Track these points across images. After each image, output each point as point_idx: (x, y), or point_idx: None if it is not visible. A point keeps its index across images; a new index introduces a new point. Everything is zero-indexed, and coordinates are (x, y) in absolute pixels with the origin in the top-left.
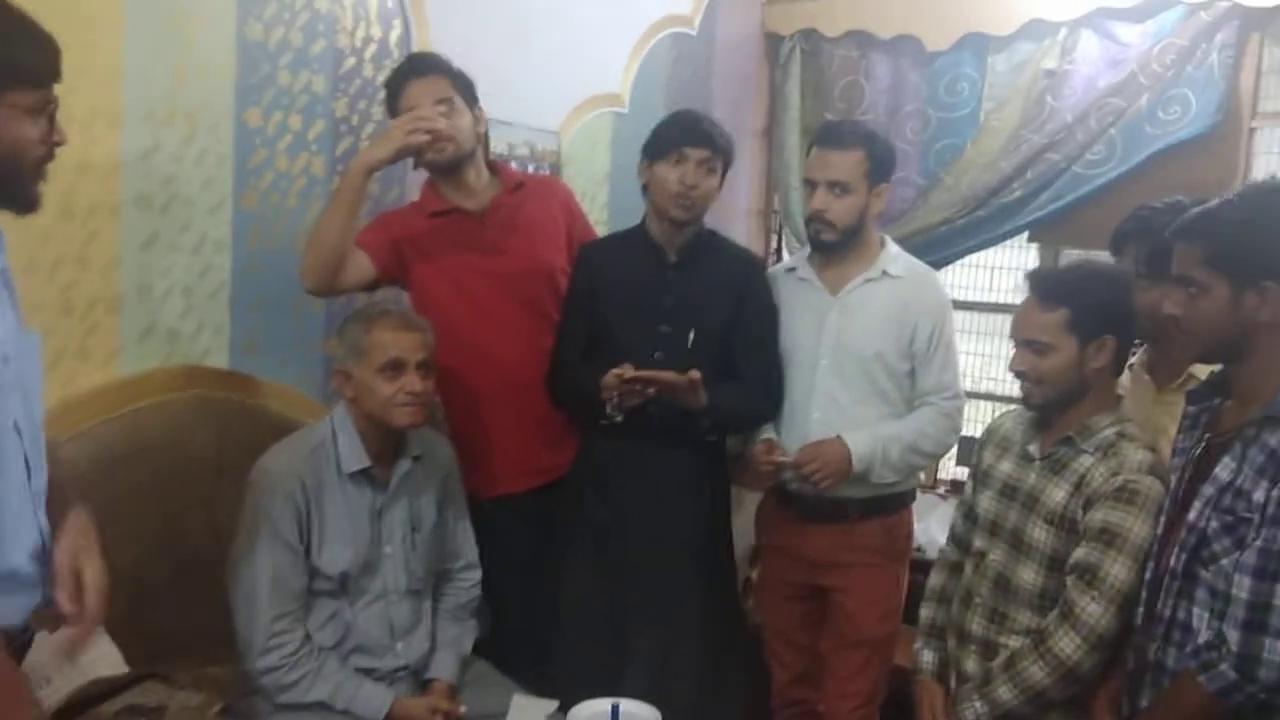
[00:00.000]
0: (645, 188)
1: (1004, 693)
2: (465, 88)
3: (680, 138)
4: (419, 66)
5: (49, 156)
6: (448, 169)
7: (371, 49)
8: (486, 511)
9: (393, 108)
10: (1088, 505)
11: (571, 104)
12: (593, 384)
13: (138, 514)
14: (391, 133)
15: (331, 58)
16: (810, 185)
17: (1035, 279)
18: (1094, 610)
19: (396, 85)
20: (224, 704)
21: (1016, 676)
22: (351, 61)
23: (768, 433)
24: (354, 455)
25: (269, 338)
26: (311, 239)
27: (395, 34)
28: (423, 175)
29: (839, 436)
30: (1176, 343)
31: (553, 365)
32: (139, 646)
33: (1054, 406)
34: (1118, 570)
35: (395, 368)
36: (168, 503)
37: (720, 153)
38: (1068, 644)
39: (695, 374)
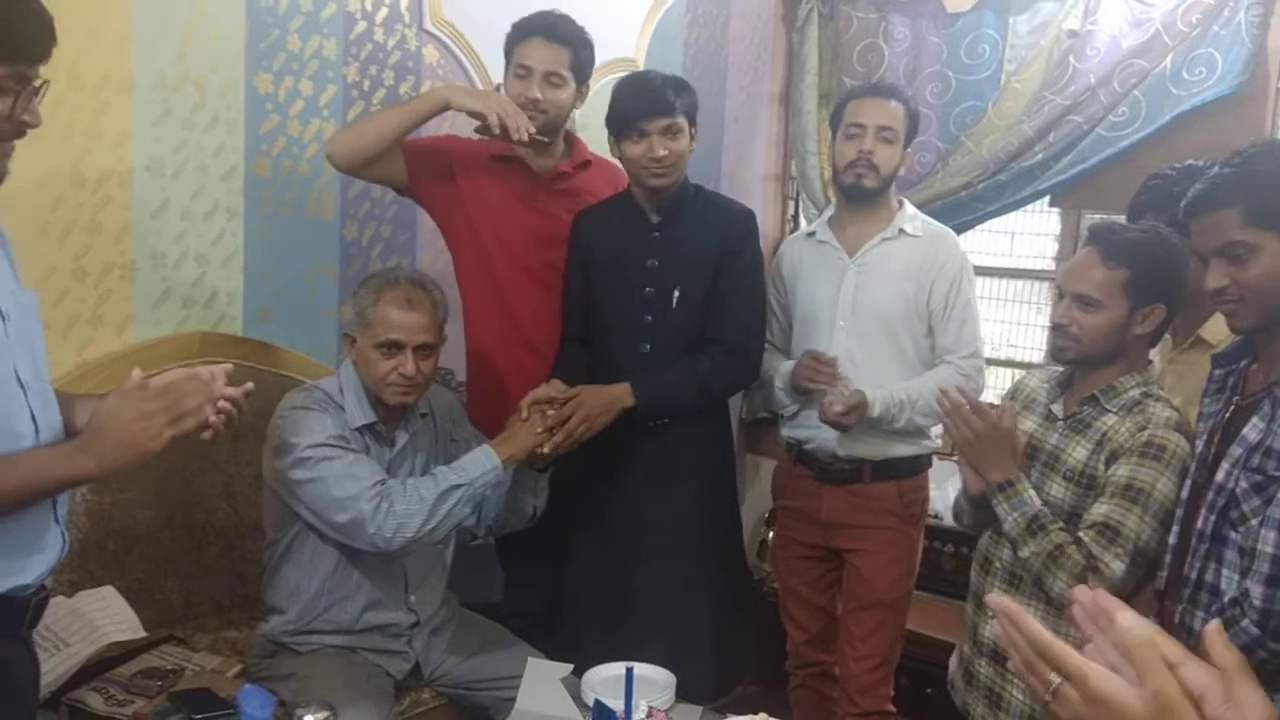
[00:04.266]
0: (620, 160)
1: (1024, 566)
2: (582, 65)
3: (635, 115)
4: (549, 28)
5: (12, 134)
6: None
7: (383, 13)
8: None
9: (508, 51)
10: (1111, 459)
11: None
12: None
13: (152, 479)
14: (489, 100)
15: (342, 22)
16: (855, 131)
17: (1101, 233)
18: (1118, 568)
19: (521, 35)
20: (241, 666)
21: (1048, 569)
22: (363, 25)
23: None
24: (360, 411)
25: (282, 304)
26: (357, 125)
27: None
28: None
29: (864, 395)
30: (1227, 313)
31: (560, 339)
32: (156, 610)
33: (1084, 365)
34: (1141, 528)
35: (393, 347)
36: (182, 469)
37: (680, 112)
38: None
39: (550, 389)
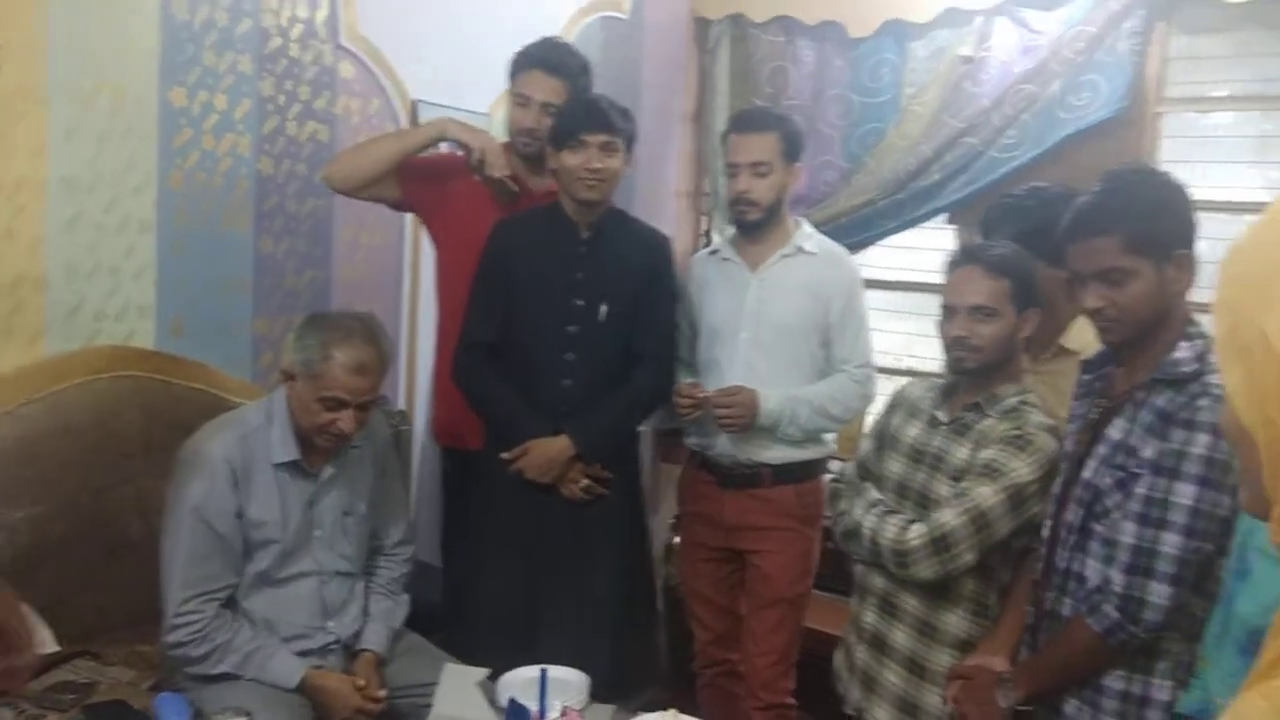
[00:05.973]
0: (554, 173)
1: (857, 511)
2: (580, 93)
3: (576, 126)
4: (548, 62)
5: None
6: (528, 156)
7: (298, 29)
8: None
9: (510, 76)
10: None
11: (501, 86)
12: (501, 416)
13: (64, 493)
14: (478, 136)
15: (257, 37)
16: (733, 169)
17: (977, 251)
18: (946, 515)
19: (522, 65)
20: (155, 680)
21: (875, 515)
22: (278, 41)
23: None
24: (284, 446)
25: (195, 318)
26: (356, 151)
27: (322, 14)
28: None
29: (754, 390)
30: (1101, 329)
31: (461, 342)
32: (69, 625)
33: (983, 374)
34: (984, 493)
35: (336, 404)
36: (94, 482)
37: (619, 133)
38: (914, 532)
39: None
